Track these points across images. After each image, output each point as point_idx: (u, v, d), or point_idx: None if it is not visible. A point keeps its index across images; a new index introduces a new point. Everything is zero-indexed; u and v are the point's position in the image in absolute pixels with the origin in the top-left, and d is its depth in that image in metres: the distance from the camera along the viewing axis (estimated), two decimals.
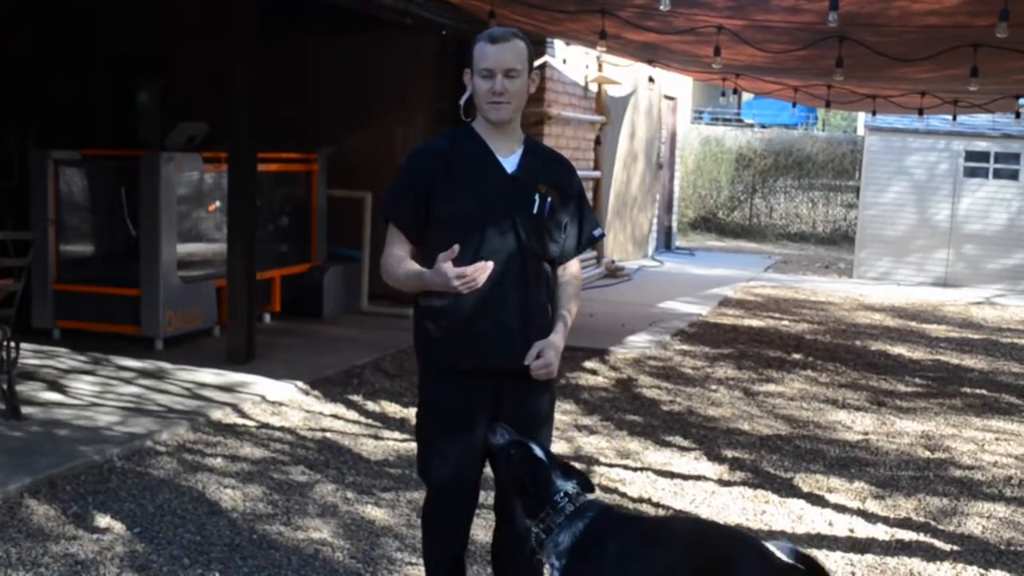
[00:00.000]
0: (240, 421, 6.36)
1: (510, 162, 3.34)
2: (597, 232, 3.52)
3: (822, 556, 4.61)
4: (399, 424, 6.42)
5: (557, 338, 3.30)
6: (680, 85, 17.62)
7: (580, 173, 13.54)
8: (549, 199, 3.33)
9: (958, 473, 5.99)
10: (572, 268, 3.47)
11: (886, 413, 7.34)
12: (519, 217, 3.29)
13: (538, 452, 3.22)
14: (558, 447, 6.02)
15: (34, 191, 8.33)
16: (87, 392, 6.79)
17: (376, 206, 9.70)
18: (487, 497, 3.85)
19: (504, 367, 3.27)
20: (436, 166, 3.32)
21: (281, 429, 6.27)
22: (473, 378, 3.29)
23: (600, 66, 13.00)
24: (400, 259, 3.31)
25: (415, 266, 3.27)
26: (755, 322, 11.00)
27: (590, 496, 3.21)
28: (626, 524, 3.27)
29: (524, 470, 3.17)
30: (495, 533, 3.55)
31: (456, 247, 3.12)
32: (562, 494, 3.14)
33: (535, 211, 3.31)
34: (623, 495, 5.30)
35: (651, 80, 10.89)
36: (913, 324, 11.47)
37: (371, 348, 8.42)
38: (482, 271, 3.11)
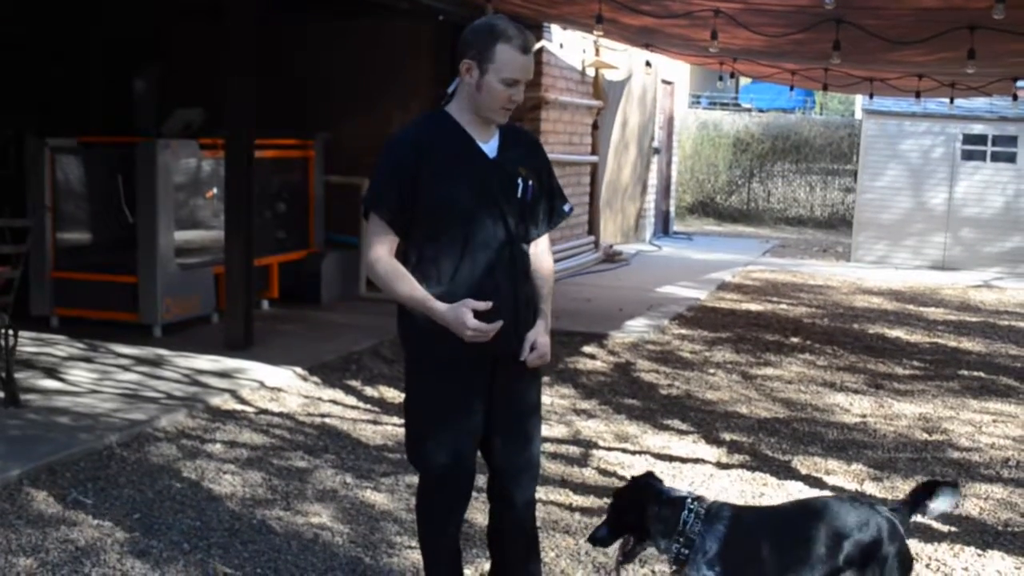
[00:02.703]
0: (239, 407, 6.37)
1: (490, 147, 3.30)
2: (567, 207, 3.50)
3: None
4: (397, 409, 6.42)
5: (543, 331, 3.33)
6: (677, 69, 17.57)
7: (577, 158, 13.37)
8: (530, 182, 3.32)
9: (956, 455, 6.01)
10: (545, 260, 3.43)
11: (884, 396, 7.36)
12: (506, 203, 3.27)
13: (642, 479, 3.30)
14: (557, 431, 6.04)
15: (31, 179, 8.31)
16: (85, 379, 6.79)
17: None
18: (481, 481, 3.85)
19: (498, 355, 3.28)
20: (419, 154, 3.22)
21: (280, 415, 6.28)
22: (467, 365, 3.27)
23: (597, 50, 12.96)
24: (392, 265, 3.21)
25: (420, 290, 3.18)
26: (753, 306, 11.01)
27: (708, 499, 3.26)
28: (765, 518, 3.37)
29: (649, 500, 3.21)
30: (491, 516, 3.56)
31: (491, 304, 3.11)
32: (689, 501, 3.18)
33: (519, 195, 3.30)
34: (622, 479, 5.31)
35: (648, 65, 10.85)
36: (911, 307, 11.48)
37: (369, 334, 8.43)
38: (494, 330, 3.12)
